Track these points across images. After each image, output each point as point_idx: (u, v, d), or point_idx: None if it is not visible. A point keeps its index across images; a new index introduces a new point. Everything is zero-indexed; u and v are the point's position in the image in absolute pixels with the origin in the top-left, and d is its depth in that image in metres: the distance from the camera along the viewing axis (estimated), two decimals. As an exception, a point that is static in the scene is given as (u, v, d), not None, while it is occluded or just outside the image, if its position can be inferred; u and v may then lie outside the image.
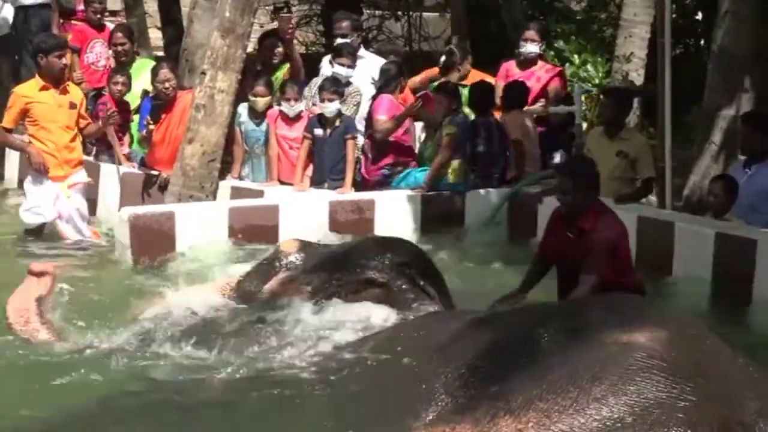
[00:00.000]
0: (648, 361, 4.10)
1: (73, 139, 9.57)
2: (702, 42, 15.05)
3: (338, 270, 5.61)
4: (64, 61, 9.57)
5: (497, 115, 10.47)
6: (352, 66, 10.54)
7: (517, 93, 10.61)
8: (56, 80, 9.52)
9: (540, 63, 11.16)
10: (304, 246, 5.98)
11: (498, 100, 10.66)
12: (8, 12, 11.87)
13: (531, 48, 11.06)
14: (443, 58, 11.01)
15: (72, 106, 9.54)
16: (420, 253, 5.85)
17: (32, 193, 9.51)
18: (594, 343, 4.23)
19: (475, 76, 11.13)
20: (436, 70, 11.21)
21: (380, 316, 5.47)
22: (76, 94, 9.72)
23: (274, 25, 12.10)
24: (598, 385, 4.04)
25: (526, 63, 11.09)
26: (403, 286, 5.57)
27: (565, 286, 6.76)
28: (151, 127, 10.16)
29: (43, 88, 9.47)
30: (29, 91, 9.55)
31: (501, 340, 4.56)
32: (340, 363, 5.18)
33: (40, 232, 9.53)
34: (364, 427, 4.69)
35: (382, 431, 4.55)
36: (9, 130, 9.63)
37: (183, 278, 8.42)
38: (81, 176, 9.67)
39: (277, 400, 5.08)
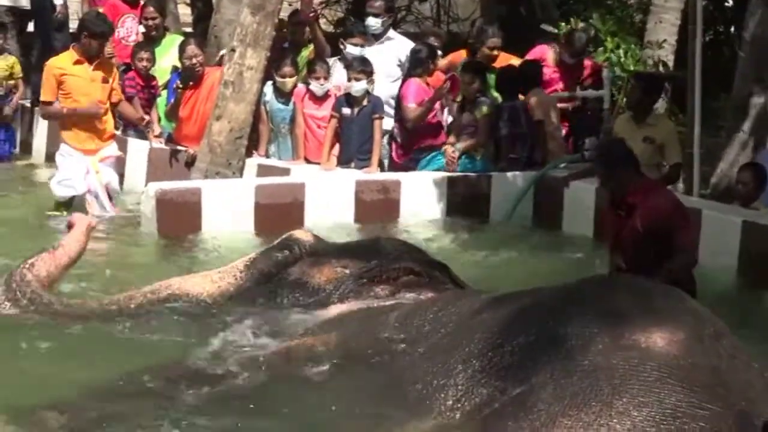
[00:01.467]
0: (666, 369, 4.11)
1: (105, 113, 9.55)
2: (732, 29, 14.90)
3: (374, 257, 5.56)
4: (100, 47, 9.55)
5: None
6: (363, 46, 10.47)
7: (531, 73, 10.48)
8: (93, 56, 9.51)
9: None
10: (317, 237, 5.93)
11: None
12: None
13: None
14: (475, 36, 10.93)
15: (105, 80, 9.54)
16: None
17: (64, 166, 9.53)
18: (613, 347, 4.22)
19: (503, 59, 11.06)
20: (463, 53, 11.13)
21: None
22: (109, 68, 9.72)
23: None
24: (619, 398, 4.06)
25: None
26: (439, 277, 5.57)
27: (629, 266, 6.66)
28: (180, 90, 10.15)
29: (77, 62, 9.47)
30: (63, 63, 9.57)
31: (522, 329, 4.53)
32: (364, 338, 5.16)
33: (70, 205, 9.53)
34: (385, 411, 4.66)
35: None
36: (50, 103, 9.62)
37: (206, 255, 8.51)
38: (112, 150, 9.67)
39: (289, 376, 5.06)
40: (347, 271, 5.55)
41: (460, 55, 11.12)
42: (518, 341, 4.45)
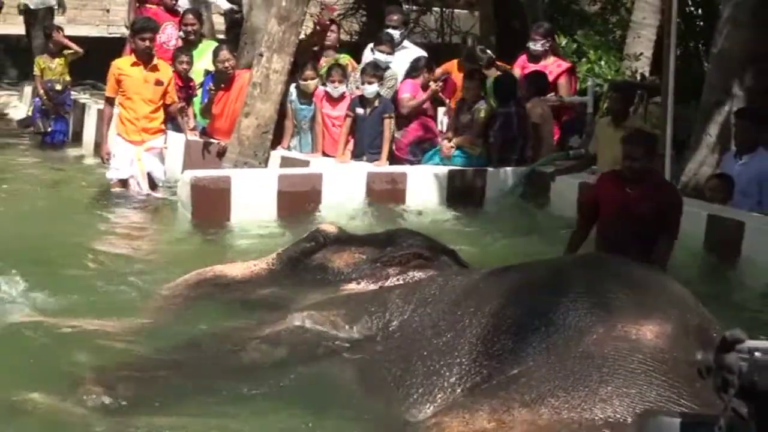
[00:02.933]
0: (652, 363, 4.00)
1: (154, 111, 9.58)
2: (701, 44, 14.86)
3: (389, 245, 5.53)
4: (146, 43, 9.52)
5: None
6: (390, 53, 10.52)
7: (537, 82, 10.49)
8: (146, 58, 9.53)
9: (552, 58, 11.08)
10: (340, 230, 5.89)
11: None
12: None
13: (534, 46, 10.99)
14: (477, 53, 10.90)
15: (158, 82, 9.54)
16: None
17: (115, 155, 9.57)
18: (606, 337, 4.13)
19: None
20: (455, 62, 11.07)
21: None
22: (165, 72, 9.71)
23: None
24: (605, 386, 3.96)
25: (535, 58, 11.02)
26: (447, 261, 5.52)
27: (619, 239, 6.69)
28: (212, 91, 10.16)
29: (135, 64, 9.55)
30: (123, 64, 9.67)
31: (524, 314, 4.42)
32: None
33: (124, 188, 9.57)
34: (385, 389, 4.59)
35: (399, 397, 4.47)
36: (111, 99, 9.64)
37: (234, 235, 8.53)
38: (158, 142, 9.68)
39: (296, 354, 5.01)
40: (363, 256, 5.53)
41: (453, 64, 11.10)
42: (520, 326, 4.35)
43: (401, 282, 5.31)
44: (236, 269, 5.88)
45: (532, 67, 10.90)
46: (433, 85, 10.32)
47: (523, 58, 11.14)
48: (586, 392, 3.96)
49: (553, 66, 11.01)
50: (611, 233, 6.81)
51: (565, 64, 11.26)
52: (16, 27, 14.78)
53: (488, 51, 11.05)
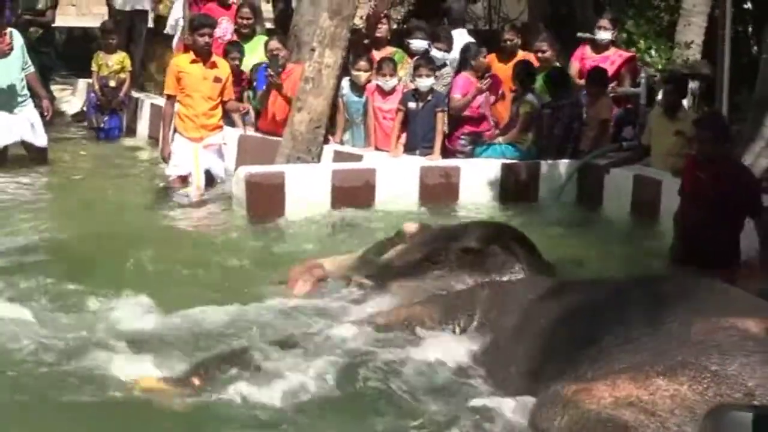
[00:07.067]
0: (764, 352, 4.00)
1: (213, 108, 9.59)
2: (750, 28, 14.63)
3: (444, 242, 5.64)
4: (205, 39, 9.51)
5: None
6: (448, 51, 10.46)
7: (600, 78, 10.25)
8: (204, 55, 9.53)
9: (613, 49, 10.92)
10: (423, 227, 5.97)
11: (576, 80, 10.50)
12: None
13: (603, 35, 10.82)
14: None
15: (217, 79, 9.54)
16: (515, 231, 5.85)
17: (175, 151, 9.57)
18: (714, 327, 4.15)
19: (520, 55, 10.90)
20: (493, 57, 10.92)
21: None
22: (224, 69, 9.69)
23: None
24: (731, 363, 3.94)
25: (600, 48, 10.85)
26: (496, 251, 5.54)
27: (691, 222, 6.83)
28: (272, 77, 10.15)
29: (193, 61, 9.55)
30: (182, 62, 9.70)
31: (616, 312, 4.49)
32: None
33: (184, 183, 9.60)
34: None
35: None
36: (172, 97, 9.63)
37: (289, 229, 8.54)
38: (216, 139, 9.70)
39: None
40: (420, 256, 5.63)
41: (492, 58, 10.91)
42: (624, 329, 4.38)
43: (437, 278, 5.43)
44: (329, 263, 6.02)
45: (594, 57, 10.74)
46: (479, 84, 10.24)
47: (582, 49, 10.97)
48: (715, 369, 3.95)
49: (614, 56, 10.85)
50: (685, 217, 6.88)
51: (627, 54, 11.10)
52: (68, 19, 14.86)
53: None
